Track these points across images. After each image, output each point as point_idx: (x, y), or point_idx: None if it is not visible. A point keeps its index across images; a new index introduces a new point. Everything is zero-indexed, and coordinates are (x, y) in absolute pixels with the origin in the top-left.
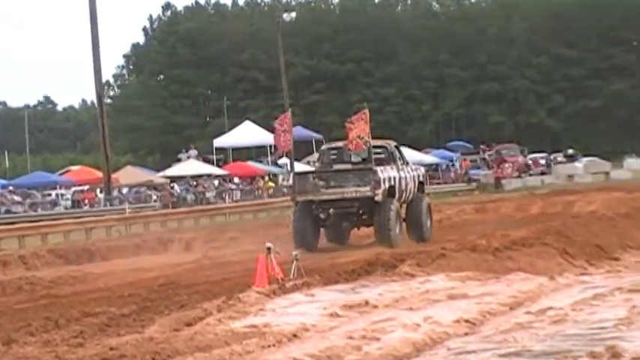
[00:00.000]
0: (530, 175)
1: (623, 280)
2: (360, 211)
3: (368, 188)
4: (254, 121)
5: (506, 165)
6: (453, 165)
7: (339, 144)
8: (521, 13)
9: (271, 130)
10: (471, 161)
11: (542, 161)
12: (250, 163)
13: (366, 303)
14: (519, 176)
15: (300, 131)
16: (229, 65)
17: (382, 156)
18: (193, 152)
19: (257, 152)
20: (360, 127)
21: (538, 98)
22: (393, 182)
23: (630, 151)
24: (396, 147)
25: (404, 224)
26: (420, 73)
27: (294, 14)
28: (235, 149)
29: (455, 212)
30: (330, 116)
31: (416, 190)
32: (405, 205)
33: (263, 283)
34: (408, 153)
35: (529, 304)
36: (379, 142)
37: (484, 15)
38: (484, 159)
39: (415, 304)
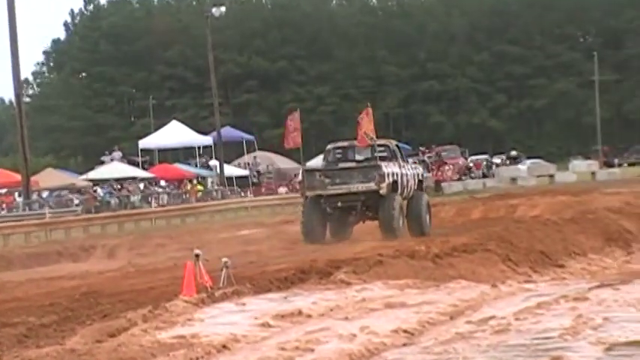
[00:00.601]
0: (472, 177)
1: (569, 287)
2: (366, 205)
3: (373, 183)
4: (181, 121)
5: (447, 167)
6: None
7: (345, 143)
8: (461, 8)
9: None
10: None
11: (484, 163)
12: (177, 166)
13: (300, 312)
14: (460, 179)
15: (230, 132)
16: (155, 62)
17: (384, 154)
18: (117, 154)
19: (185, 154)
20: (365, 125)
21: (480, 97)
22: (396, 177)
23: (576, 153)
24: (397, 146)
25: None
26: (356, 71)
27: (223, 9)
28: (162, 151)
29: None
30: (261, 116)
31: (416, 187)
32: (405, 202)
33: (191, 291)
34: None
35: (470, 313)
36: (382, 141)
37: (423, 10)
38: (423, 161)
39: (351, 314)
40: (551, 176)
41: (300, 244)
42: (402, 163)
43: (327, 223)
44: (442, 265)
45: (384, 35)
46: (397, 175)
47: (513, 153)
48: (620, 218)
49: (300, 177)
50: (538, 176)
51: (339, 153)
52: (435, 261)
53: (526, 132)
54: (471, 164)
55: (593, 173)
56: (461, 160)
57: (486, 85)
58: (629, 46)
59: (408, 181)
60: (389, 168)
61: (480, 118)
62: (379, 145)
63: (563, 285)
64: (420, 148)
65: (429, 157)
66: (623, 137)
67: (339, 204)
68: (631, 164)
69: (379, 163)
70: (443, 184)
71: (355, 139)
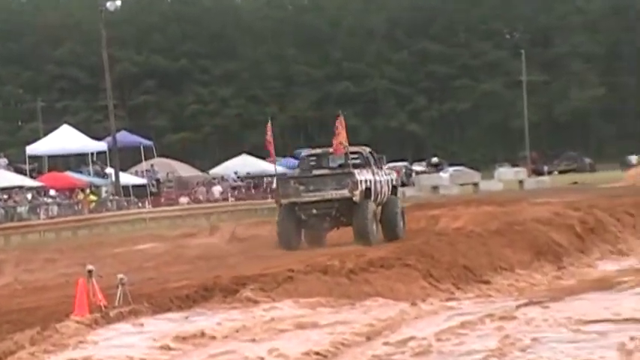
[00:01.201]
0: None
1: (495, 305)
2: (340, 212)
3: (346, 190)
4: (73, 125)
5: None
6: None
7: (318, 151)
8: (379, 3)
9: (96, 137)
10: None
11: (403, 170)
12: (69, 174)
13: (202, 334)
14: None
15: (126, 137)
16: (44, 61)
17: (358, 161)
18: (3, 161)
19: (76, 161)
20: (341, 135)
21: (399, 99)
22: (369, 184)
23: (502, 160)
24: (371, 153)
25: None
26: (263, 70)
27: (119, 2)
28: (52, 157)
29: None
30: (160, 119)
31: (390, 193)
32: (380, 208)
33: (83, 311)
34: (250, 162)
35: (388, 333)
36: (355, 148)
37: (337, 5)
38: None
39: (259, 335)
40: (476, 185)
41: (203, 260)
42: (375, 170)
43: (302, 230)
44: (357, 282)
45: (294, 31)
46: (370, 181)
47: (435, 160)
48: (549, 230)
49: (274, 185)
50: (461, 185)
51: (313, 160)
52: (349, 277)
53: (448, 137)
54: None
55: (520, 182)
56: None
57: (406, 86)
58: (559, 43)
59: (381, 187)
60: (362, 175)
61: (399, 122)
62: (352, 152)
63: (489, 303)
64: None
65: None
66: (553, 142)
67: (314, 211)
68: (561, 172)
69: (352, 170)
70: None
71: (330, 146)
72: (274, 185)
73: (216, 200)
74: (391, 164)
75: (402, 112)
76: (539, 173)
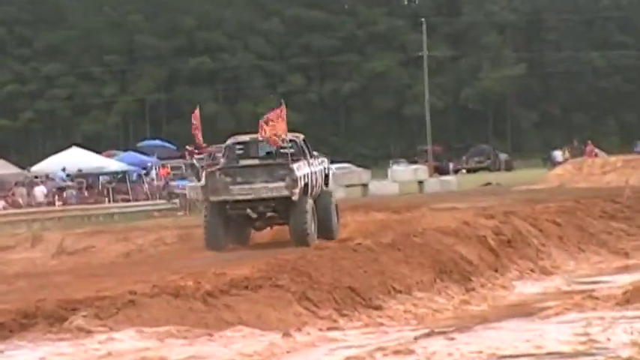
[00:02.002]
0: None
1: (388, 336)
2: (275, 212)
3: (284, 187)
4: None
5: None
6: (148, 174)
7: (246, 138)
8: None
9: None
10: (172, 169)
11: None
12: None
13: None
14: None
15: None
16: None
17: (292, 150)
18: None
19: None
20: (278, 126)
21: (267, 79)
22: (307, 180)
23: (397, 156)
24: (304, 141)
25: None
26: (99, 42)
27: None
28: None
29: (150, 241)
30: None
31: (323, 184)
32: (312, 202)
33: None
34: (82, 156)
35: None
36: (289, 136)
37: None
38: (192, 165)
39: None
40: (365, 186)
41: (23, 279)
42: (309, 160)
43: (230, 228)
44: (216, 307)
45: None
46: (307, 176)
47: (314, 153)
48: (456, 243)
49: (202, 180)
50: (347, 186)
51: (240, 149)
52: (206, 301)
53: (331, 126)
54: None
55: (420, 182)
56: None
57: (276, 62)
58: (468, 11)
59: (316, 179)
60: (300, 170)
61: (268, 107)
62: (285, 141)
63: (381, 333)
64: (188, 148)
65: (200, 160)
66: (461, 134)
67: (248, 211)
68: (471, 170)
69: (291, 165)
70: None
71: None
72: (113, 185)
73: (39, 204)
74: None
75: (273, 94)
76: (444, 172)
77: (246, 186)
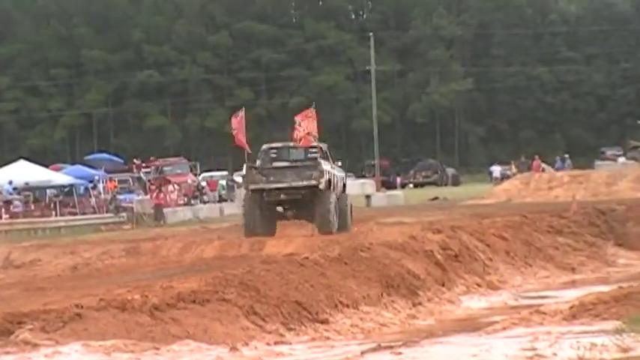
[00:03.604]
0: (205, 202)
1: (334, 351)
2: (304, 200)
3: (312, 179)
4: None
5: (171, 188)
6: (95, 187)
7: (279, 144)
8: None
9: None
10: (119, 182)
11: (223, 182)
12: None
13: None
14: (189, 203)
15: None
16: None
17: (317, 155)
18: None
19: None
20: (309, 125)
21: (216, 93)
22: (330, 176)
23: (345, 170)
24: (328, 149)
25: None
26: (46, 55)
27: None
28: None
29: (97, 255)
30: None
31: (342, 189)
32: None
33: None
34: (29, 169)
35: None
36: (314, 144)
37: None
38: (139, 179)
39: None
40: None
41: None
42: (332, 165)
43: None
44: (163, 321)
45: (85, 9)
46: (331, 174)
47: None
48: (403, 257)
49: (244, 172)
50: None
51: (274, 153)
52: (153, 314)
53: (278, 140)
54: (204, 183)
55: (367, 197)
56: (190, 178)
57: (225, 76)
58: (416, 25)
59: (337, 181)
60: (326, 166)
61: (216, 121)
62: (312, 147)
63: (327, 347)
64: (135, 161)
65: (147, 174)
66: (408, 148)
67: (282, 196)
68: (418, 185)
69: (319, 161)
70: (165, 210)
71: (292, 140)
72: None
73: None
74: (206, 174)
75: (221, 108)
76: (391, 186)
77: (275, 182)
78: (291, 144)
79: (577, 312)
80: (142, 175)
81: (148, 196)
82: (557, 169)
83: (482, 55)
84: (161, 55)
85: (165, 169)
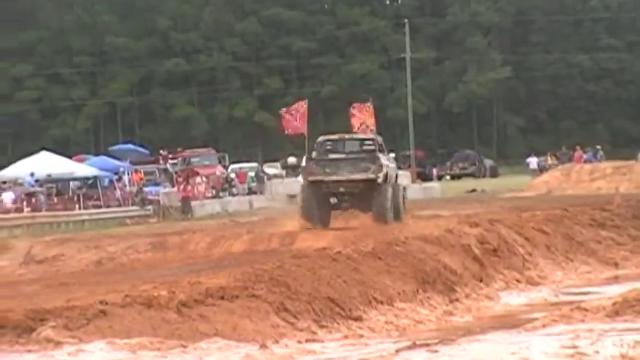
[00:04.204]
0: (234, 194)
1: (368, 349)
2: (362, 192)
3: (370, 171)
4: None
5: (198, 180)
6: (120, 180)
7: (335, 136)
8: None
9: None
10: (145, 174)
11: (252, 173)
12: None
13: None
14: (217, 196)
15: None
16: None
17: (372, 147)
18: None
19: None
20: (366, 116)
21: (244, 81)
22: (387, 169)
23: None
24: (382, 140)
25: None
26: (69, 42)
27: None
28: None
29: (122, 249)
30: None
31: (395, 180)
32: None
33: None
34: (52, 161)
35: None
36: (369, 135)
37: None
38: (166, 170)
39: None
40: None
41: None
42: (387, 157)
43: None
44: (191, 317)
45: None
46: (387, 167)
47: (292, 160)
48: (439, 252)
49: (303, 163)
50: None
51: (329, 145)
52: (181, 311)
53: (310, 130)
54: (233, 175)
55: (403, 189)
56: (218, 170)
57: (253, 64)
58: (453, 12)
59: (392, 174)
60: (384, 160)
61: (245, 111)
62: (367, 139)
63: (361, 345)
64: (162, 152)
65: (174, 165)
66: (445, 138)
67: (340, 189)
68: (455, 176)
69: (377, 154)
70: (193, 203)
71: (350, 131)
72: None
73: (7, 211)
74: (235, 165)
75: (250, 97)
76: (427, 178)
77: (339, 174)
78: (347, 136)
79: (620, 308)
80: (168, 166)
81: (175, 189)
82: (587, 161)
83: (520, 42)
84: (188, 42)
85: (192, 160)
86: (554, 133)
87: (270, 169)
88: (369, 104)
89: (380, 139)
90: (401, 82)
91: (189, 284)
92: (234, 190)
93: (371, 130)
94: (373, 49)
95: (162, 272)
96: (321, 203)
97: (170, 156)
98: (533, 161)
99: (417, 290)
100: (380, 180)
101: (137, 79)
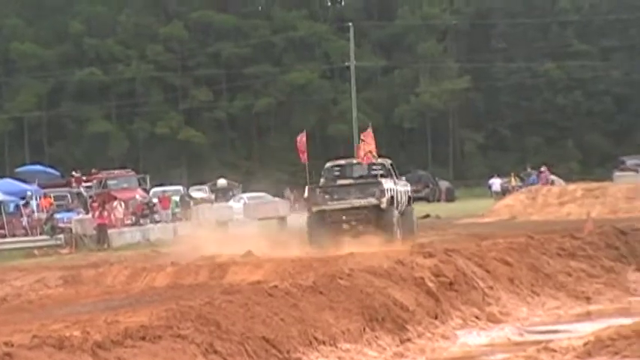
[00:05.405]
0: (156, 221)
1: None
2: (368, 218)
3: (373, 198)
4: None
5: (116, 205)
6: (27, 205)
7: (342, 161)
8: None
9: None
10: (56, 199)
11: (177, 198)
12: None
13: None
14: (137, 223)
15: None
16: None
17: (381, 172)
18: None
19: None
20: (369, 143)
21: (168, 94)
22: (393, 193)
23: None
24: (391, 165)
25: None
26: None
27: None
28: None
29: (30, 284)
30: None
31: (407, 203)
32: (400, 215)
33: None
34: None
35: None
36: (378, 160)
37: None
38: (79, 194)
39: None
40: (283, 219)
41: None
42: (396, 180)
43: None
44: None
45: None
46: (393, 190)
47: (222, 182)
48: (388, 286)
49: (306, 194)
50: (261, 219)
51: (337, 171)
52: (96, 353)
53: (242, 148)
54: (155, 200)
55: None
56: (139, 194)
57: (179, 74)
58: (403, 14)
59: (401, 196)
60: (387, 184)
61: (169, 127)
62: (375, 164)
63: None
64: (74, 174)
65: (88, 189)
66: (394, 158)
67: (344, 217)
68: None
69: (380, 179)
70: (110, 231)
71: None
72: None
73: None
74: (157, 189)
75: (174, 111)
76: None
77: (336, 202)
78: (354, 161)
79: (593, 349)
80: (82, 190)
81: (90, 215)
82: (531, 184)
83: (480, 48)
84: (104, 49)
85: (109, 183)
86: (519, 151)
87: (197, 193)
88: (370, 129)
89: (388, 162)
90: (345, 94)
91: (106, 323)
92: (156, 217)
93: (374, 156)
94: (313, 56)
95: (76, 309)
96: (329, 230)
97: (84, 178)
98: (496, 183)
99: (364, 329)
100: (383, 206)
101: (46, 91)
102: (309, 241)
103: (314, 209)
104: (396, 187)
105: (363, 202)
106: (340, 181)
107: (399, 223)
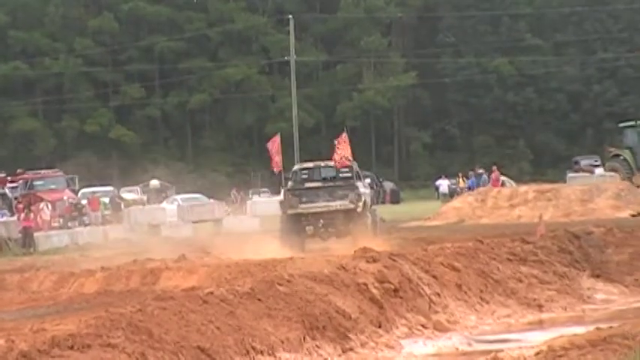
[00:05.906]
0: (86, 224)
1: None
2: (341, 222)
3: (349, 201)
4: None
5: (42, 207)
6: None
7: (310, 164)
8: None
9: None
10: None
11: (106, 199)
12: None
13: None
14: (65, 226)
15: None
16: None
17: (349, 174)
18: None
19: None
20: (344, 148)
21: (99, 89)
22: (365, 197)
23: (258, 185)
24: (358, 167)
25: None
26: None
27: None
28: None
29: None
30: None
31: (370, 204)
32: None
33: None
34: None
35: None
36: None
37: None
38: (3, 196)
39: None
40: (218, 221)
41: None
42: (364, 183)
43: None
44: None
45: None
46: (365, 194)
47: (155, 183)
48: (330, 292)
49: (281, 196)
50: (196, 222)
51: (305, 174)
52: None
53: (176, 148)
54: (85, 201)
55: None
56: (67, 195)
57: (109, 69)
58: (344, 5)
59: (369, 199)
60: (362, 188)
61: (99, 124)
62: (344, 167)
63: None
64: None
65: (13, 190)
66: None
67: (321, 221)
68: None
69: (356, 184)
70: (36, 235)
71: (330, 159)
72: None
73: None
74: (86, 190)
75: (105, 108)
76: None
77: (311, 204)
78: (322, 163)
79: (545, 359)
80: (6, 191)
81: (15, 217)
82: (469, 189)
83: (427, 43)
84: (30, 42)
85: (35, 183)
86: (467, 151)
87: (129, 194)
88: (344, 134)
89: (355, 165)
90: (284, 90)
91: (32, 332)
92: (85, 219)
93: (349, 161)
94: (251, 50)
95: (0, 317)
96: (300, 232)
97: (9, 179)
98: (443, 184)
99: (304, 338)
100: (359, 209)
101: None
102: (281, 243)
103: (289, 212)
104: (365, 189)
105: (338, 205)
106: (308, 184)
107: (374, 225)
